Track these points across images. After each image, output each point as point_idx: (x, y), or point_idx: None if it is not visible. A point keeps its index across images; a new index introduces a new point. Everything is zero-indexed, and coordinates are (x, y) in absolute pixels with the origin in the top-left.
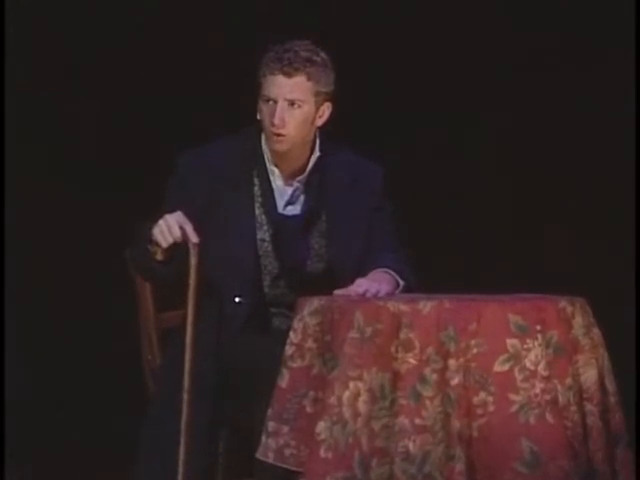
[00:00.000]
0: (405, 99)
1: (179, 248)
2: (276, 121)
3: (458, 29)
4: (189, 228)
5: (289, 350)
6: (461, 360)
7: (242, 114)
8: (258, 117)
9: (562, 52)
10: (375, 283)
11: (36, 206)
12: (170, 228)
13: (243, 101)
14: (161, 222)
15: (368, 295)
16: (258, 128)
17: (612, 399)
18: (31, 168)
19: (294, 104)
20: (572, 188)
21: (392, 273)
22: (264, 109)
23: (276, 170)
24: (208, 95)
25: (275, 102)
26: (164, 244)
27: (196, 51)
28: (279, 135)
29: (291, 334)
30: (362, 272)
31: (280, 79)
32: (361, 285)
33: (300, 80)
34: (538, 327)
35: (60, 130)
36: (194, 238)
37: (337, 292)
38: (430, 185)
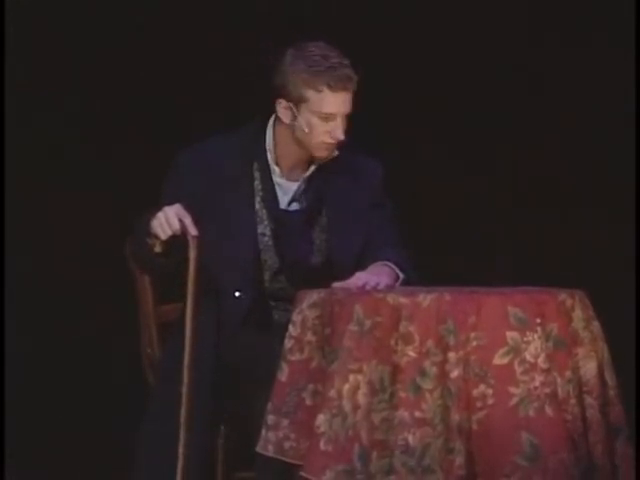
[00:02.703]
0: (405, 99)
1: (178, 241)
2: (342, 137)
3: (458, 29)
4: (188, 221)
5: (288, 343)
6: (461, 353)
7: (242, 114)
8: (305, 130)
9: (562, 51)
10: (374, 276)
11: (36, 206)
12: (169, 220)
13: (243, 101)
14: (160, 214)
15: (368, 288)
16: (260, 124)
17: (612, 392)
18: (31, 168)
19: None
20: (572, 183)
21: (392, 266)
22: (318, 124)
23: (277, 169)
24: (208, 95)
25: (335, 117)
26: (163, 236)
27: (196, 51)
28: (333, 145)
29: (290, 327)
30: (362, 266)
31: (343, 95)
32: (360, 278)
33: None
34: (538, 320)
35: (60, 130)
36: (193, 231)
37: (336, 285)
38: (430, 184)
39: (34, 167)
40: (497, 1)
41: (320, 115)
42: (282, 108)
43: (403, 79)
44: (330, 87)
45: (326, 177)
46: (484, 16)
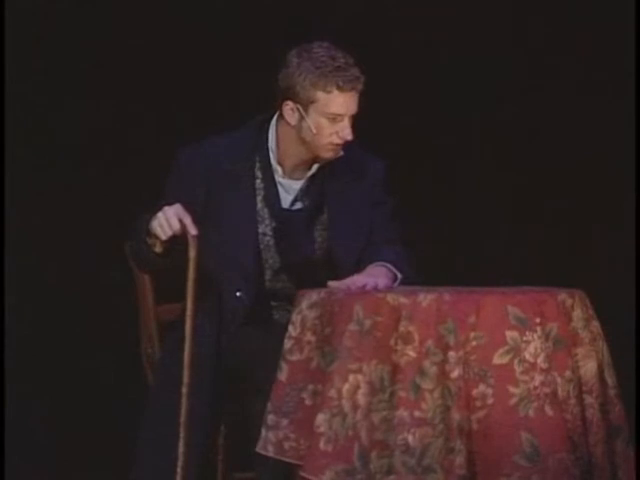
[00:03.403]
0: (405, 98)
1: (178, 241)
2: (350, 137)
3: (458, 28)
4: (188, 221)
5: (288, 343)
6: (460, 353)
7: (242, 113)
8: (313, 131)
9: (562, 50)
10: (371, 278)
11: (36, 206)
12: (169, 220)
13: (243, 100)
14: (160, 214)
15: (367, 288)
16: (261, 123)
17: (612, 392)
18: (31, 168)
19: None
20: (572, 183)
21: (389, 266)
22: (326, 125)
23: (279, 168)
24: (208, 95)
25: (343, 117)
26: (163, 237)
27: (196, 51)
28: (340, 145)
29: (290, 327)
30: (361, 265)
31: (351, 96)
32: (357, 280)
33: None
34: (537, 319)
35: (60, 130)
36: (193, 231)
37: (331, 284)
38: (430, 184)
39: (34, 167)
40: (497, 1)
41: (329, 116)
42: (289, 110)
43: (403, 79)
44: (339, 88)
45: (328, 175)
46: (484, 16)
